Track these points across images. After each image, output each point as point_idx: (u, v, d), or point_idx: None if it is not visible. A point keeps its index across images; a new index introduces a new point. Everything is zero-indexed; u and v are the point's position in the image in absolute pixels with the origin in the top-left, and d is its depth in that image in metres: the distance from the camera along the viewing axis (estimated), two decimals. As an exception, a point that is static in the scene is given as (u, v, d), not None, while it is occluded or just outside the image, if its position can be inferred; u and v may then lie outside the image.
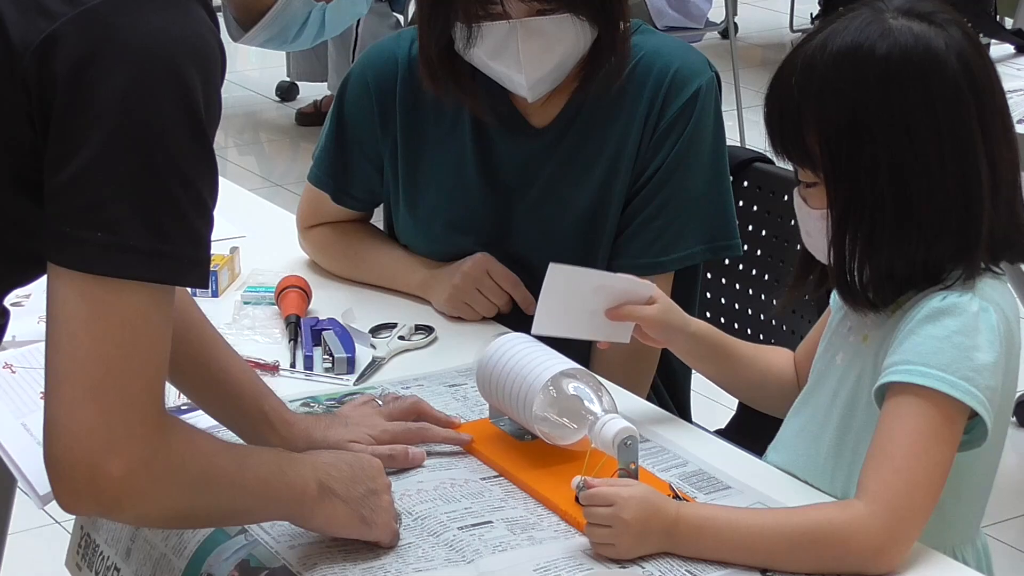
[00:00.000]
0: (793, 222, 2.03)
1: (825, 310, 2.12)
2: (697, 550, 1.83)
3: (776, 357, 2.23)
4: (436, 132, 2.51)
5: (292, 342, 2.39)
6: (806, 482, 2.02)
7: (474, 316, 2.48)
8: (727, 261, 2.74)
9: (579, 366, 2.03)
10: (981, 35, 3.81)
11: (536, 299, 2.11)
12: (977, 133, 1.89)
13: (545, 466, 2.01)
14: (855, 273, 1.91)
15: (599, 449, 1.91)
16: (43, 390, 1.59)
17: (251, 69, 7.46)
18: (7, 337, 1.81)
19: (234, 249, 2.66)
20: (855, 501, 1.84)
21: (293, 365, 2.34)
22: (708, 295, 2.79)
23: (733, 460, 2.08)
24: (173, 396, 2.08)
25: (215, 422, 2.00)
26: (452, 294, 2.48)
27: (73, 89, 1.54)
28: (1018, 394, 2.46)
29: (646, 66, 2.44)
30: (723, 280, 2.78)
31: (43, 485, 1.90)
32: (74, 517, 2.21)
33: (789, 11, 7.81)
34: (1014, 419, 3.95)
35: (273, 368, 2.32)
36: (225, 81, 1.67)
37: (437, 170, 2.52)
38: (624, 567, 1.82)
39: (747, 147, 3.45)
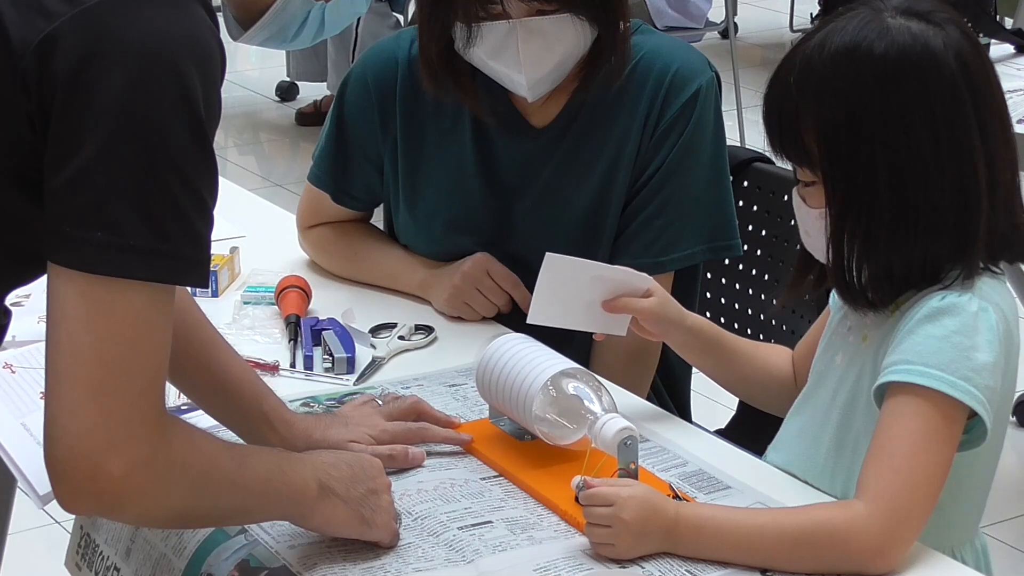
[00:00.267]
0: (793, 222, 2.03)
1: (824, 309, 2.12)
2: (697, 550, 1.83)
3: (774, 354, 2.23)
4: (436, 132, 2.51)
5: (292, 342, 2.39)
6: (806, 482, 2.01)
7: (474, 316, 2.48)
8: (727, 261, 2.74)
9: (579, 366, 2.03)
10: (981, 35, 3.81)
11: (536, 296, 2.12)
12: (975, 132, 1.89)
13: (545, 466, 2.01)
14: (854, 272, 1.91)
15: (599, 449, 1.91)
16: (43, 390, 1.59)
17: (251, 69, 7.45)
18: (7, 337, 1.80)
19: (234, 249, 2.66)
20: (855, 501, 1.83)
21: (293, 365, 2.34)
22: (708, 295, 2.79)
23: (733, 460, 2.08)
24: (173, 396, 2.08)
25: (215, 422, 2.00)
26: (452, 294, 2.48)
27: (73, 89, 1.54)
28: (1017, 394, 2.46)
29: (646, 66, 2.44)
30: (723, 280, 2.78)
31: (43, 485, 1.90)
32: (74, 517, 2.21)
33: (789, 11, 7.81)
34: (1013, 419, 3.95)
35: (273, 368, 2.32)
36: (225, 81, 1.67)
37: (437, 170, 2.51)
38: (624, 567, 1.82)
39: (747, 147, 3.45)
